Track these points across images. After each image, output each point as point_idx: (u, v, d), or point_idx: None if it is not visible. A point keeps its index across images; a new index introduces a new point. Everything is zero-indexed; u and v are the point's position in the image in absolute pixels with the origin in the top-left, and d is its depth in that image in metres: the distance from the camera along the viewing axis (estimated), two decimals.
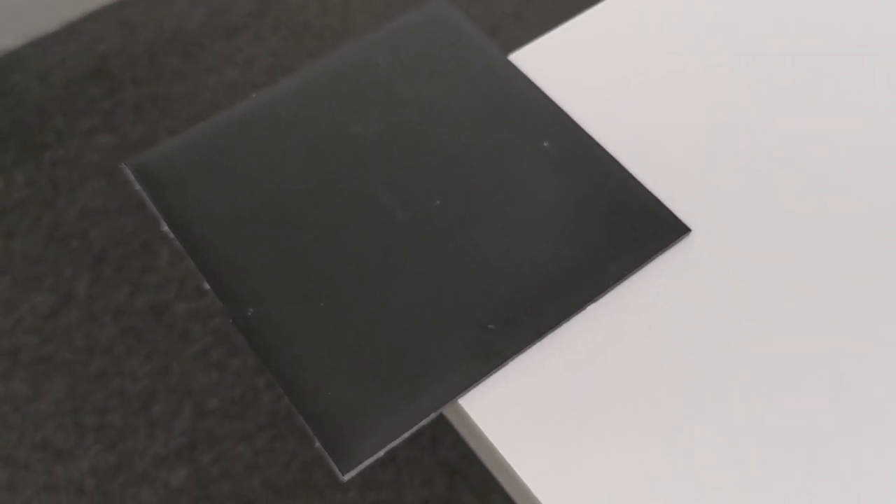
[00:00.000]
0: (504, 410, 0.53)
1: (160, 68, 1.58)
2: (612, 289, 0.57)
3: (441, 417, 1.17)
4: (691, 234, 0.60)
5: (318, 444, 0.52)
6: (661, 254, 0.59)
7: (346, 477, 0.51)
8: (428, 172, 0.61)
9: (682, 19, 0.70)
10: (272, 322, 0.55)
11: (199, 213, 0.59)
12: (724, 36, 0.69)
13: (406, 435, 0.53)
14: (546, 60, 0.67)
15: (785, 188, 0.62)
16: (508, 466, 0.52)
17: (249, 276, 0.57)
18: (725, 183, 0.62)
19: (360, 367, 0.54)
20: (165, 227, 0.58)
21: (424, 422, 0.53)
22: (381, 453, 0.52)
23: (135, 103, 1.57)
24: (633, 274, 0.58)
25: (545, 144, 0.62)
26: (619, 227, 0.59)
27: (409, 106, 0.64)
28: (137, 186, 0.59)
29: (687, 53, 0.68)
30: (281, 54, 1.58)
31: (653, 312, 0.56)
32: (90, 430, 1.20)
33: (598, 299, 0.57)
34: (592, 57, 0.68)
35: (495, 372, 0.55)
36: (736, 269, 0.58)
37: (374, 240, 0.58)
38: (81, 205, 1.45)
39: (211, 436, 1.17)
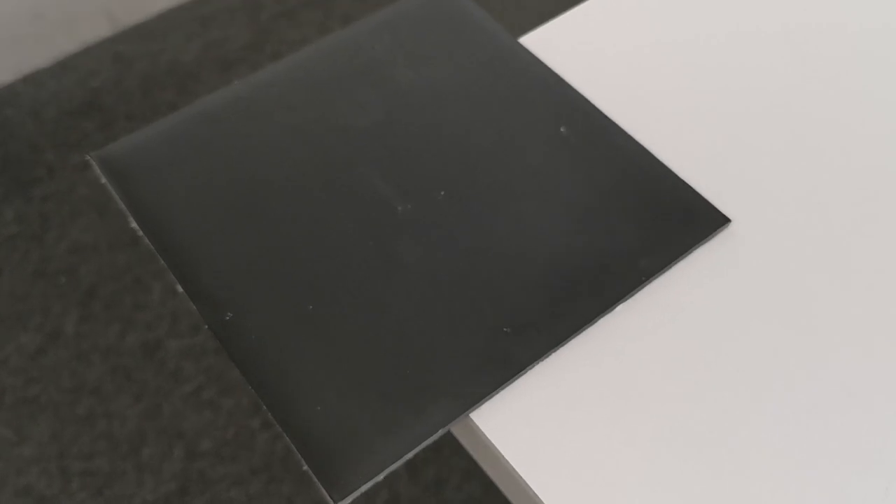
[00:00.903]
0: (522, 426, 0.46)
1: (154, 102, 1.53)
2: (643, 286, 0.50)
3: (447, 450, 1.09)
4: (731, 225, 0.52)
5: (305, 466, 0.45)
6: (697, 247, 0.51)
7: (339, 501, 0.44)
8: (431, 162, 0.54)
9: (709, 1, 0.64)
10: (254, 327, 0.48)
11: (172, 207, 0.52)
12: (760, 13, 0.63)
13: (408, 456, 0.45)
14: (561, 44, 0.61)
15: (835, 173, 0.55)
16: (530, 491, 0.44)
17: (228, 277, 0.50)
18: (768, 169, 0.55)
19: (355, 377, 0.47)
20: (134, 224, 0.51)
21: (429, 441, 0.45)
22: (380, 477, 0.45)
23: None
24: (666, 270, 0.51)
25: (562, 130, 0.56)
26: (648, 218, 0.52)
27: (410, 91, 0.57)
28: (103, 179, 0.52)
29: (716, 34, 0.62)
30: None
31: (690, 313, 0.49)
32: (76, 475, 1.12)
33: (627, 298, 0.50)
34: (611, 40, 0.62)
35: (512, 382, 0.47)
36: (783, 264, 0.51)
37: (370, 235, 0.51)
38: (71, 240, 1.38)
39: (203, 479, 1.09)
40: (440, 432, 0.46)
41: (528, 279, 0.50)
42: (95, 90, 1.56)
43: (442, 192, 0.53)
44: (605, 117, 0.56)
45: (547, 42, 0.61)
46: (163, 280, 1.31)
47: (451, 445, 1.10)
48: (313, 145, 0.55)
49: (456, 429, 0.49)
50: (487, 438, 0.46)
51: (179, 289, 0.50)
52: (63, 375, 1.22)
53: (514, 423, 0.46)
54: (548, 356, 0.48)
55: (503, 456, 0.45)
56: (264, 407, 0.46)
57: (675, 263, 0.51)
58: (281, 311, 0.49)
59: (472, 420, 0.46)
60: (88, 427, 1.17)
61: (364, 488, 0.44)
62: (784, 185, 0.54)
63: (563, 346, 0.48)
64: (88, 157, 0.54)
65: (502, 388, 0.47)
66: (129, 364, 1.22)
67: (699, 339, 0.48)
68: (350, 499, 0.44)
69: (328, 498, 0.44)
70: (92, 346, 1.25)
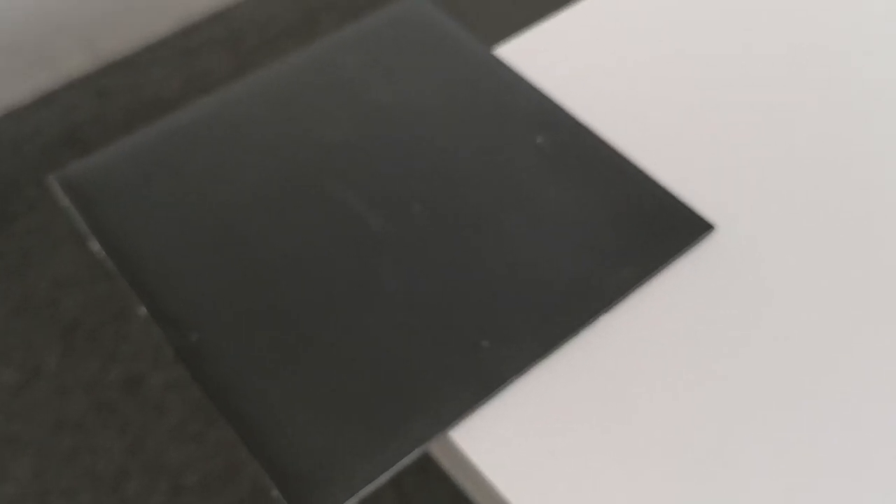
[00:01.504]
0: (503, 444, 0.44)
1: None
2: (627, 296, 0.48)
3: (427, 474, 1.06)
4: (716, 232, 0.51)
5: (275, 492, 0.43)
6: (682, 255, 0.50)
7: None
8: (405, 175, 0.53)
9: (678, 10, 0.63)
10: (221, 348, 0.46)
11: (136, 225, 0.50)
12: (736, 18, 0.62)
13: (384, 478, 0.43)
14: (536, 54, 0.60)
15: (817, 177, 0.54)
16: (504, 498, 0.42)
17: (195, 296, 0.48)
18: (752, 176, 0.54)
19: (327, 397, 0.45)
20: (96, 247, 0.50)
21: (406, 460, 0.44)
22: (354, 501, 0.43)
23: None
24: (650, 278, 0.49)
25: (538, 140, 0.54)
26: (630, 227, 0.50)
27: (382, 105, 0.56)
28: (66, 202, 0.51)
29: (694, 42, 0.61)
30: None
31: (676, 322, 0.48)
32: None
33: (611, 309, 0.48)
34: (587, 50, 0.61)
35: (492, 398, 0.45)
36: (769, 270, 0.49)
37: (342, 251, 0.50)
38: (53, 274, 1.37)
39: None
40: (417, 451, 0.44)
41: (507, 292, 0.48)
42: (77, 124, 1.55)
43: (417, 206, 0.52)
44: (583, 126, 0.55)
45: (521, 52, 0.60)
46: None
47: (437, 473, 1.08)
48: (283, 161, 0.54)
49: (438, 451, 0.47)
50: (467, 457, 0.44)
51: (143, 311, 0.48)
52: (45, 412, 1.19)
53: (496, 441, 0.44)
54: (529, 370, 0.46)
55: (483, 474, 0.43)
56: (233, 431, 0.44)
57: (660, 271, 0.50)
58: (249, 329, 0.47)
59: (450, 438, 0.45)
60: (72, 463, 1.15)
61: None
62: (768, 191, 0.53)
63: (544, 359, 0.47)
64: (51, 178, 0.52)
65: (482, 404, 0.45)
66: (113, 398, 1.20)
67: (684, 350, 0.47)
68: None
69: None
70: (74, 380, 1.22)
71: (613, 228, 0.51)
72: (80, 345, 1.25)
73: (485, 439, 0.44)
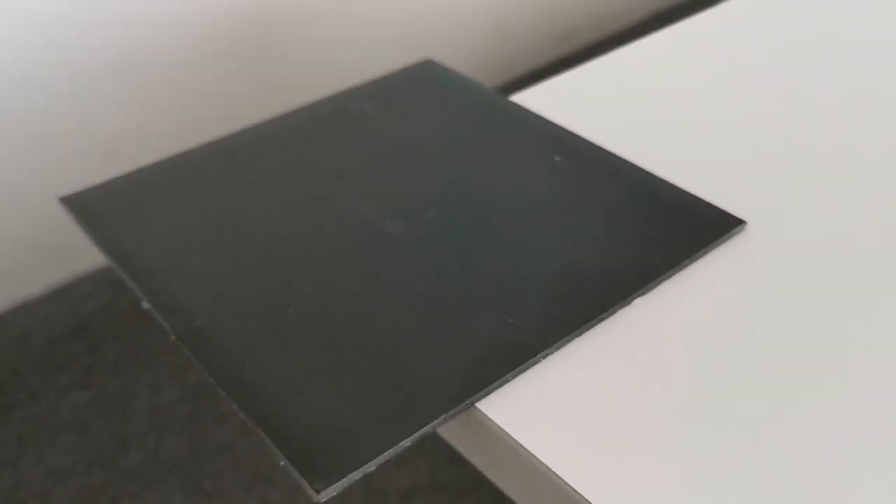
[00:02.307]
0: (535, 413, 0.39)
1: (144, 324, 1.51)
2: (660, 281, 0.45)
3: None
4: (747, 228, 0.49)
5: (282, 461, 0.37)
6: (715, 247, 0.47)
7: (322, 498, 0.36)
8: (421, 191, 0.51)
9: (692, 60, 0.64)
10: (226, 330, 0.43)
11: (146, 235, 0.48)
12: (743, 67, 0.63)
13: (405, 444, 0.38)
14: (551, 100, 0.60)
15: (851, 174, 0.52)
16: (550, 474, 0.37)
17: (201, 287, 0.45)
18: (781, 175, 0.52)
19: (342, 371, 0.41)
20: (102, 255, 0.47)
21: (429, 428, 0.39)
22: (372, 467, 0.37)
23: (115, 359, 1.48)
24: (683, 267, 0.46)
25: (557, 158, 0.54)
26: (657, 226, 0.48)
27: (396, 138, 0.55)
28: (71, 217, 0.49)
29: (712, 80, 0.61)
30: None
31: (709, 310, 0.44)
32: None
33: (645, 293, 0.45)
34: (595, 93, 0.61)
35: (521, 371, 0.41)
36: (802, 266, 0.47)
37: (356, 246, 0.47)
38: (48, 463, 1.30)
39: None
40: (440, 420, 0.39)
41: (536, 274, 0.45)
42: (88, 314, 1.55)
43: (434, 212, 0.50)
44: (600, 147, 0.55)
45: (538, 100, 0.60)
46: (140, 500, 1.21)
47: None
48: (297, 182, 0.53)
49: (459, 434, 0.42)
50: (501, 429, 0.39)
51: (145, 305, 0.45)
52: None
53: (527, 410, 0.39)
54: (559, 346, 0.42)
55: (516, 440, 0.38)
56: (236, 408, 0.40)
57: (692, 263, 0.47)
58: (257, 312, 0.44)
59: (478, 409, 0.40)
60: None
61: (353, 476, 0.37)
62: (799, 188, 0.51)
63: (574, 338, 0.43)
64: (59, 201, 0.51)
65: (510, 378, 0.41)
66: None
67: (717, 336, 0.43)
68: (335, 489, 0.36)
69: (311, 493, 0.36)
70: None
71: (644, 224, 0.48)
72: None
73: (514, 409, 0.39)
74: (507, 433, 0.38)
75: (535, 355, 0.41)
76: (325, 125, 0.57)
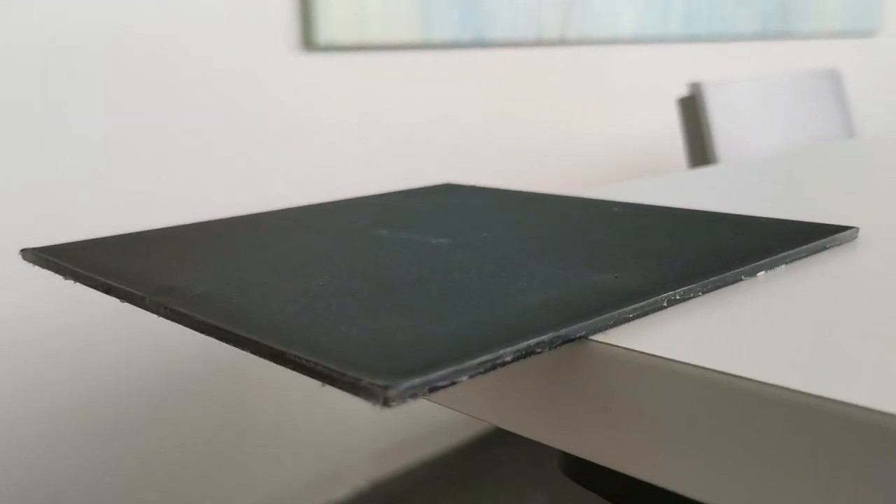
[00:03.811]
0: (659, 346, 0.29)
1: None
2: (783, 261, 0.37)
3: None
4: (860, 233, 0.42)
5: (346, 373, 0.25)
6: (831, 247, 0.41)
7: (393, 403, 0.24)
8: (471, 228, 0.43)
9: None
10: (235, 291, 0.33)
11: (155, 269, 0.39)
12: None
13: (506, 357, 0.26)
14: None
15: None
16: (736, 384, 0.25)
17: (203, 276, 0.35)
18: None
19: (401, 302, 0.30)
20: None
21: (533, 340, 0.27)
22: (463, 376, 0.25)
23: None
24: (801, 257, 0.39)
25: (615, 209, 0.47)
26: (774, 230, 0.42)
27: (442, 224, 0.47)
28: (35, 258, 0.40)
29: None
30: None
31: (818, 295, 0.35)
32: None
33: (771, 269, 0.37)
34: None
35: (641, 315, 0.31)
36: None
37: (404, 257, 0.39)
38: None
39: None
40: (545, 337, 0.28)
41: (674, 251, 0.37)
42: None
43: (484, 233, 0.42)
44: (658, 205, 0.48)
45: None
46: None
47: None
48: (322, 243, 0.44)
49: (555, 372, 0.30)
50: (651, 355, 0.28)
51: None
52: None
53: (657, 346, 0.29)
54: (685, 297, 0.33)
55: (689, 363, 0.27)
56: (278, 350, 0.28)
57: (809, 256, 0.39)
58: (277, 277, 0.33)
59: (593, 341, 0.29)
60: None
61: (431, 381, 0.24)
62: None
63: (699, 292, 0.33)
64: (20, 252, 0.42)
65: (626, 320, 0.31)
66: None
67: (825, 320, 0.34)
68: (407, 384, 0.24)
69: (377, 389, 0.24)
70: None
71: (763, 229, 0.41)
72: None
73: (641, 341, 0.28)
74: (660, 356, 0.27)
75: (655, 297, 0.32)
76: (367, 216, 0.50)
